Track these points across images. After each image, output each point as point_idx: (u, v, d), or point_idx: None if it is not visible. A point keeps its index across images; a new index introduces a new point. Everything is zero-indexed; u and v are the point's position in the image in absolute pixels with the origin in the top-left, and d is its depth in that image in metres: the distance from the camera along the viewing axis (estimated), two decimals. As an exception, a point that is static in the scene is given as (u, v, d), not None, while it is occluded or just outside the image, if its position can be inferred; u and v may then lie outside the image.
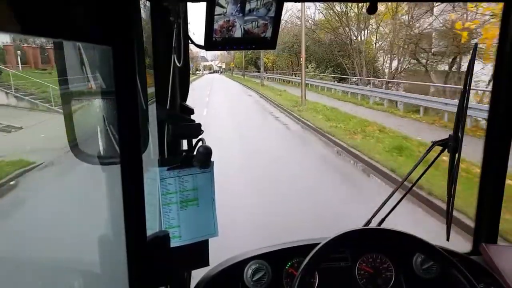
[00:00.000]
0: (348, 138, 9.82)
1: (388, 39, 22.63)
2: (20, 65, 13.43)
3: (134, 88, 0.80)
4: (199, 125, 1.10)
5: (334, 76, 28.64)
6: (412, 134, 9.78)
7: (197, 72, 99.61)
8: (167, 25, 1.00)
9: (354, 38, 24.59)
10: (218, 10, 0.94)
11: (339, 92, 22.71)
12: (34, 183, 4.95)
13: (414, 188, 1.34)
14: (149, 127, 1.04)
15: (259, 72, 55.97)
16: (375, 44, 24.91)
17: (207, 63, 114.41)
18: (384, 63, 24.20)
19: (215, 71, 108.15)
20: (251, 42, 1.02)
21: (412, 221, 4.75)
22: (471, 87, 1.22)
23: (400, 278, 1.35)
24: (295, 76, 37.54)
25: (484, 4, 6.90)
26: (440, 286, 1.33)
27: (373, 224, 1.28)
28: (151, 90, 1.06)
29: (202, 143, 1.07)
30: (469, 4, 10.51)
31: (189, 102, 1.20)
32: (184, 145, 1.14)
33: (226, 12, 0.95)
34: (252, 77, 52.48)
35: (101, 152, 1.00)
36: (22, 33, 0.57)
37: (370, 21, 22.82)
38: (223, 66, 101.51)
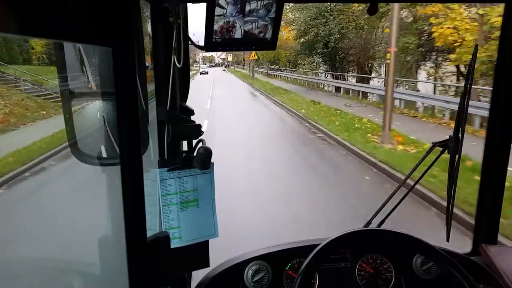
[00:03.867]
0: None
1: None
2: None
3: (134, 89, 0.79)
4: (199, 126, 1.10)
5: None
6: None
7: (195, 65, 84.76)
8: (167, 26, 1.00)
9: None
10: (218, 11, 0.93)
11: None
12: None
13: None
14: (149, 128, 1.03)
15: (316, 74, 25.82)
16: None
17: (208, 54, 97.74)
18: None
19: (217, 65, 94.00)
20: (251, 43, 1.02)
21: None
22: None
23: (400, 278, 1.35)
24: None
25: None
26: (440, 287, 1.33)
27: (373, 225, 1.27)
28: (151, 90, 1.05)
29: (202, 144, 1.06)
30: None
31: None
32: (184, 146, 1.13)
33: (226, 13, 0.94)
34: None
35: (101, 153, 1.00)
36: (22, 34, 0.56)
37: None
38: (229, 58, 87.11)
